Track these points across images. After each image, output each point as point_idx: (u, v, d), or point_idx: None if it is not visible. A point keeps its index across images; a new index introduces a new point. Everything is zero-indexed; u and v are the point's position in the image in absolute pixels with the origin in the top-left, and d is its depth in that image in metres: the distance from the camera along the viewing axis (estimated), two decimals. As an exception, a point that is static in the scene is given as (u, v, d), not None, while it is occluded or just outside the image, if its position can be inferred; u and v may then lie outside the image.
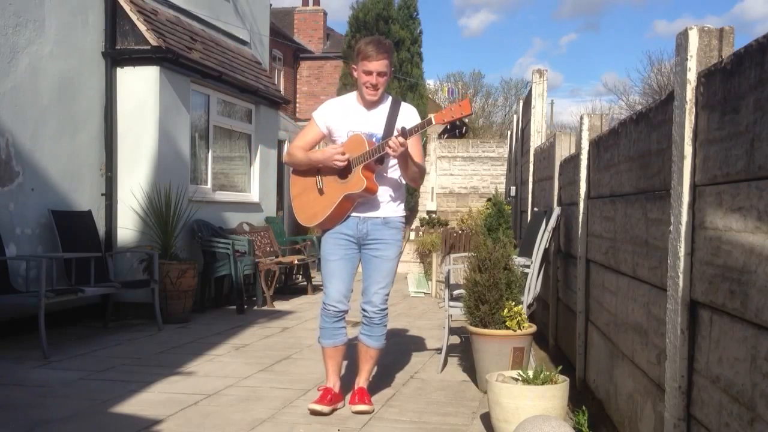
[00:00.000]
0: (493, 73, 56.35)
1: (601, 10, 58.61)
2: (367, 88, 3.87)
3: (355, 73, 3.95)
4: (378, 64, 3.82)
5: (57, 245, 6.38)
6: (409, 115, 3.96)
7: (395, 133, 3.74)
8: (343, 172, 3.88)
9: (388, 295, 4.04)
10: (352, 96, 4.04)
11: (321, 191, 3.97)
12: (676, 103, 2.28)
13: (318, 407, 3.88)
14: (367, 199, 3.92)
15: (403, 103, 4.04)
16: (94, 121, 7.13)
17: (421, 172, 3.98)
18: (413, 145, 3.86)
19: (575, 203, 4.46)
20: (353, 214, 3.96)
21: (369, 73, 3.83)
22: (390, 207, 4.00)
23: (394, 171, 3.99)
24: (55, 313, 6.22)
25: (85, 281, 6.31)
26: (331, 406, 3.93)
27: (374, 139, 3.87)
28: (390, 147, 3.68)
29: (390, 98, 4.02)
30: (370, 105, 3.95)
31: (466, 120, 21.63)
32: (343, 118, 3.98)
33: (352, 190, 3.84)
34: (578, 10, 59.19)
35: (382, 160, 3.88)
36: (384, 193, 3.96)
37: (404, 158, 3.80)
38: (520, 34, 63.52)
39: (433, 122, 3.66)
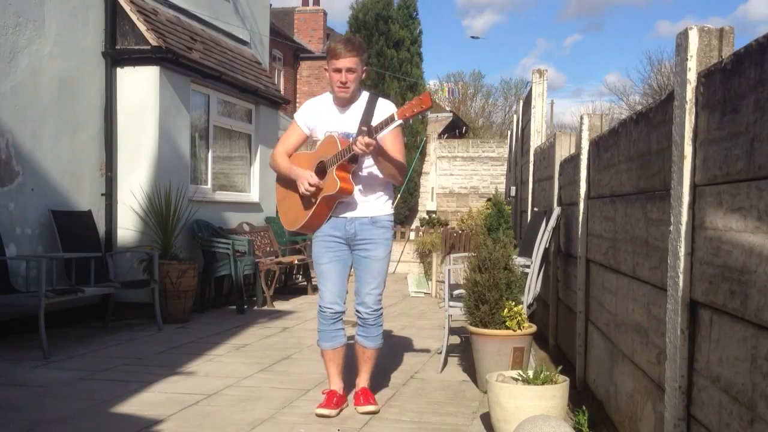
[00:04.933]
0: (496, 74, 56.43)
1: (604, 10, 58.67)
2: (337, 86, 3.83)
3: (327, 74, 3.91)
4: (346, 61, 3.78)
5: (57, 245, 6.38)
6: (386, 111, 3.86)
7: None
8: (320, 174, 3.86)
9: (381, 295, 4.01)
10: (328, 96, 4.00)
11: (301, 195, 3.95)
12: (676, 103, 2.28)
13: (325, 411, 3.88)
14: (348, 199, 3.89)
15: (380, 99, 3.96)
16: (94, 121, 7.13)
17: (400, 169, 3.91)
18: (391, 140, 3.82)
19: (575, 203, 4.46)
20: (341, 215, 3.93)
21: (338, 70, 3.79)
22: (376, 205, 3.96)
23: (374, 168, 3.93)
24: (55, 313, 6.21)
25: (85, 281, 6.30)
26: (337, 409, 3.93)
27: (350, 138, 3.81)
28: (357, 147, 3.63)
29: (366, 95, 3.96)
30: (345, 103, 3.91)
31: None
32: (320, 118, 3.97)
33: (327, 192, 3.82)
34: (582, 11, 59.26)
35: (355, 159, 3.82)
36: (368, 191, 3.92)
37: (376, 156, 3.78)
38: (525, 35, 63.59)
39: (396, 118, 3.58)
